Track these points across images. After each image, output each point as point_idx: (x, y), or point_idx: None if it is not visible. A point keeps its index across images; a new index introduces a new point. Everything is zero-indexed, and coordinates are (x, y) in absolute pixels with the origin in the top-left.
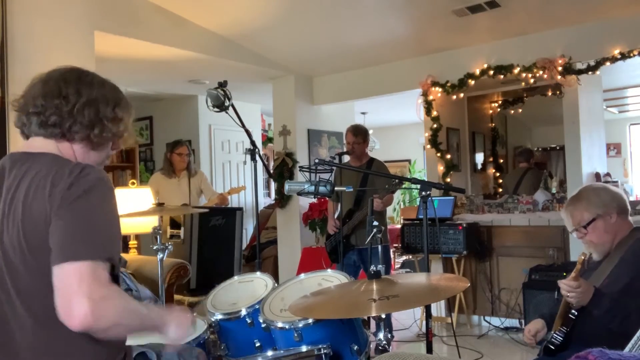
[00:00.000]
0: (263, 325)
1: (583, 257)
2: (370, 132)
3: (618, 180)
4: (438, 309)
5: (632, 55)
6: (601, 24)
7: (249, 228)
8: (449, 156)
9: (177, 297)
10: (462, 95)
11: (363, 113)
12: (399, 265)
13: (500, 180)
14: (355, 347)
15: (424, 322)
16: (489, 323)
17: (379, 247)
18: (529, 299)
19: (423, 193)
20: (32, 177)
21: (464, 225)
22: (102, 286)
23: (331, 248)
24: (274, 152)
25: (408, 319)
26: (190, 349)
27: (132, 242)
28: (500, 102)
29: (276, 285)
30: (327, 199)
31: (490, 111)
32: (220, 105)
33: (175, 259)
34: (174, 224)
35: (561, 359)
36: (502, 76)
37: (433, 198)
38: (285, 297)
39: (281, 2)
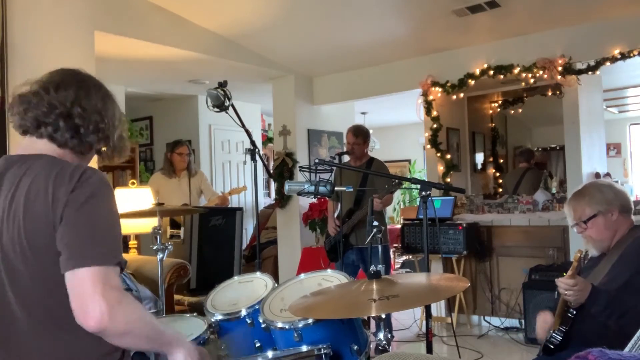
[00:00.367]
0: (263, 325)
1: (579, 255)
2: (370, 132)
3: (618, 180)
4: (438, 309)
5: (632, 55)
6: (601, 24)
7: (249, 228)
8: (449, 156)
9: (177, 297)
10: (462, 95)
11: (363, 113)
12: (399, 265)
13: (500, 180)
14: (355, 347)
15: (424, 322)
16: (489, 323)
17: (379, 247)
18: (529, 299)
19: (423, 193)
20: (32, 178)
21: (464, 225)
22: (117, 290)
23: (330, 247)
24: (274, 152)
25: (408, 319)
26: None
27: (132, 242)
28: (500, 102)
29: (276, 285)
30: (327, 198)
31: (490, 111)
32: (220, 105)
33: (175, 259)
34: (174, 224)
35: (560, 358)
36: (502, 76)
37: (433, 198)
38: (285, 297)
39: (281, 2)
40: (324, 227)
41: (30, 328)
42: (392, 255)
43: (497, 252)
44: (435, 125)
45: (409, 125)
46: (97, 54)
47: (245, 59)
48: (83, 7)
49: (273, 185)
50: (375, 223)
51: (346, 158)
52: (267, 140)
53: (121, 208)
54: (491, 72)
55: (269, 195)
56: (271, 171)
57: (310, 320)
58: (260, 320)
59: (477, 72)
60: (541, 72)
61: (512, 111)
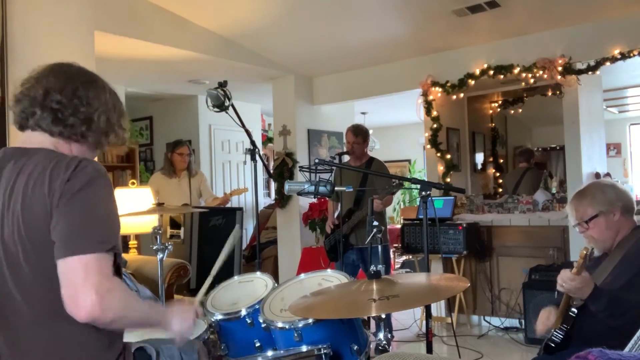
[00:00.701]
0: (263, 325)
1: (585, 252)
2: (370, 132)
3: (618, 180)
4: (438, 309)
5: (632, 55)
6: (601, 24)
7: (249, 228)
8: (449, 156)
9: (177, 297)
10: (462, 95)
11: (363, 113)
12: (399, 265)
13: (500, 180)
14: (355, 347)
15: (424, 322)
16: (489, 323)
17: (379, 247)
18: (529, 299)
19: (423, 193)
20: (30, 171)
21: (464, 225)
22: (107, 279)
23: (330, 247)
24: (274, 152)
25: (408, 319)
26: (191, 343)
27: (132, 242)
28: (500, 102)
29: (276, 285)
30: (327, 198)
31: (490, 111)
32: (220, 105)
33: (175, 259)
34: (174, 224)
35: (561, 357)
36: (502, 76)
37: (433, 198)
38: (285, 297)
39: (281, 3)
40: (324, 227)
41: (32, 321)
42: (392, 255)
43: (497, 252)
44: (435, 125)
45: (409, 125)
46: (97, 54)
47: (245, 59)
48: (83, 7)
49: (273, 185)
50: (375, 223)
51: (346, 158)
52: (267, 140)
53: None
54: (491, 72)
55: (269, 195)
56: (271, 171)
57: (310, 320)
58: (260, 320)
59: (477, 72)
60: (541, 72)
61: (512, 111)
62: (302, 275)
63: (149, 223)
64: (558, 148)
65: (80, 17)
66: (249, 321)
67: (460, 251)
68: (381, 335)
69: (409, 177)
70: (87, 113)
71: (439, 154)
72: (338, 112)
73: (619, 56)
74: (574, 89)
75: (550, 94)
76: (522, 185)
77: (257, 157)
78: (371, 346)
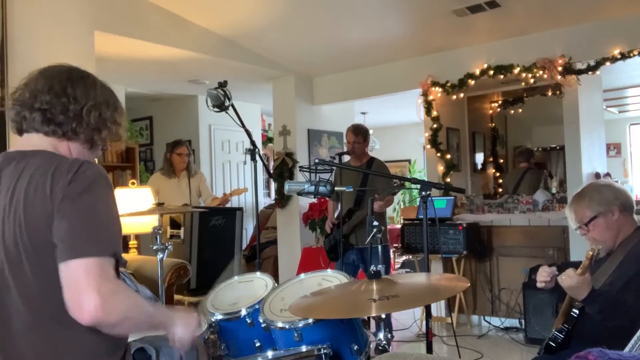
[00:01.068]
0: (263, 325)
1: (591, 253)
2: (370, 132)
3: (618, 180)
4: (438, 309)
5: (632, 55)
6: (601, 24)
7: (249, 228)
8: (449, 156)
9: (177, 297)
10: (462, 95)
11: (363, 113)
12: (399, 265)
13: (500, 180)
14: (355, 347)
15: (424, 322)
16: (489, 323)
17: (379, 247)
18: (529, 299)
19: (423, 193)
20: (31, 174)
21: (464, 225)
22: (110, 282)
23: (330, 247)
24: (274, 152)
25: (408, 319)
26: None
27: (132, 242)
28: (500, 102)
29: (276, 285)
30: (327, 198)
31: (490, 111)
32: (220, 105)
33: (175, 259)
34: (174, 224)
35: (561, 357)
36: (502, 76)
37: (433, 198)
38: (285, 297)
39: (281, 3)
40: (324, 227)
41: (33, 324)
42: (392, 255)
43: (497, 252)
44: (435, 125)
45: (409, 125)
46: (97, 54)
47: (245, 59)
48: (83, 7)
49: (273, 185)
50: (376, 223)
51: (346, 158)
52: (267, 140)
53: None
54: (491, 72)
55: (269, 195)
56: (271, 171)
57: (310, 320)
58: (260, 320)
59: (477, 72)
60: (541, 72)
61: (512, 111)
62: (302, 275)
63: (149, 223)
64: (558, 148)
65: (80, 17)
66: (249, 321)
67: (460, 251)
68: (381, 335)
69: (409, 177)
70: (76, 110)
71: (439, 154)
72: (338, 112)
73: (619, 56)
74: (574, 89)
75: (550, 94)
76: (523, 186)
77: (257, 157)
78: (371, 346)
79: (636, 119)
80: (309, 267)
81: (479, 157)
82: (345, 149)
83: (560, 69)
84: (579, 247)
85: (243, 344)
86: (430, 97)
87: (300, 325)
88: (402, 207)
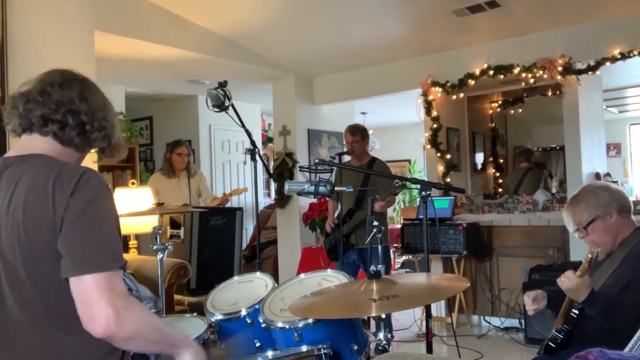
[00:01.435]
0: (263, 325)
1: (591, 255)
2: (370, 132)
3: (618, 180)
4: (438, 309)
5: (632, 55)
6: (601, 24)
7: (249, 228)
8: (449, 156)
9: (177, 297)
10: (462, 95)
11: (363, 113)
12: (399, 265)
13: (500, 180)
14: (355, 347)
15: (424, 322)
16: (489, 323)
17: (379, 247)
18: None
19: (423, 193)
20: (31, 179)
21: (464, 225)
22: (123, 296)
23: (330, 247)
24: (274, 152)
25: (408, 319)
26: None
27: (132, 242)
28: (500, 102)
29: (276, 285)
30: (327, 198)
31: (490, 111)
32: (220, 105)
33: (175, 259)
34: (174, 224)
35: (561, 357)
36: (502, 76)
37: (433, 198)
38: (285, 297)
39: (281, 2)
40: (324, 227)
41: (30, 330)
42: (392, 255)
43: (497, 252)
44: (435, 125)
45: (409, 125)
46: (97, 54)
47: (245, 59)
48: (83, 7)
49: (273, 185)
50: (376, 223)
51: (346, 158)
52: (267, 140)
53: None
54: (491, 72)
55: (269, 195)
56: (271, 171)
57: (310, 320)
58: (261, 320)
59: (477, 72)
60: (541, 72)
61: (512, 111)
62: (302, 275)
63: (149, 223)
64: (558, 148)
65: (80, 17)
66: (249, 321)
67: (460, 251)
68: (381, 335)
69: (409, 177)
70: (109, 130)
71: (439, 154)
72: (338, 112)
73: (619, 56)
74: (574, 89)
75: (550, 94)
76: (523, 186)
77: (257, 157)
78: (371, 346)
79: (636, 119)
80: (309, 267)
81: (479, 157)
82: (345, 149)
83: (560, 69)
84: (579, 247)
85: (243, 344)
86: (430, 97)
87: (300, 325)
88: (402, 207)
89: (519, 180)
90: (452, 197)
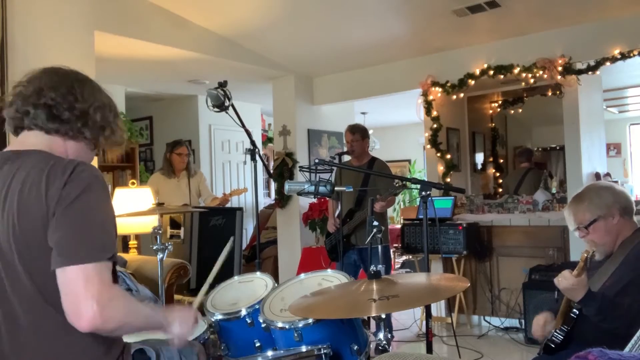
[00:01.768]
0: (263, 325)
1: (586, 255)
2: (370, 132)
3: (618, 180)
4: (438, 309)
5: (632, 55)
6: (601, 24)
7: (249, 228)
8: (449, 156)
9: (177, 297)
10: (462, 95)
11: (363, 113)
12: (399, 265)
13: (500, 180)
14: (355, 347)
15: (424, 322)
16: (489, 323)
17: (379, 247)
18: (529, 299)
19: (423, 193)
20: (26, 174)
21: (464, 225)
22: (108, 288)
23: (331, 247)
24: (274, 152)
25: (408, 319)
26: (190, 344)
27: (132, 242)
28: (500, 102)
29: (276, 285)
30: (327, 198)
31: (490, 111)
32: (220, 105)
33: (175, 259)
34: (174, 224)
35: (561, 357)
36: (502, 76)
37: (433, 198)
38: (285, 297)
39: (281, 2)
40: (324, 227)
41: (29, 326)
42: (392, 255)
43: (497, 252)
44: (435, 125)
45: (409, 125)
46: (97, 54)
47: (245, 59)
48: (83, 7)
49: (273, 185)
50: (376, 223)
51: (346, 158)
52: (267, 140)
53: (121, 208)
54: (491, 72)
55: (269, 195)
56: (271, 171)
57: (310, 320)
58: (260, 320)
59: (477, 72)
60: (541, 72)
61: (512, 111)
62: (302, 275)
63: (149, 223)
64: (558, 148)
65: (80, 17)
66: (249, 321)
67: (460, 251)
68: (381, 335)
69: (409, 177)
70: (83, 108)
71: (439, 154)
72: (338, 112)
73: (619, 56)
74: (574, 89)
75: (550, 94)
76: (523, 186)
77: (257, 157)
78: (371, 346)
79: (636, 119)
80: (309, 267)
81: (479, 157)
82: (345, 149)
83: (560, 69)
84: (579, 247)
85: (243, 344)
86: (430, 97)
87: (300, 325)
88: (402, 207)
89: (519, 180)
90: (452, 197)
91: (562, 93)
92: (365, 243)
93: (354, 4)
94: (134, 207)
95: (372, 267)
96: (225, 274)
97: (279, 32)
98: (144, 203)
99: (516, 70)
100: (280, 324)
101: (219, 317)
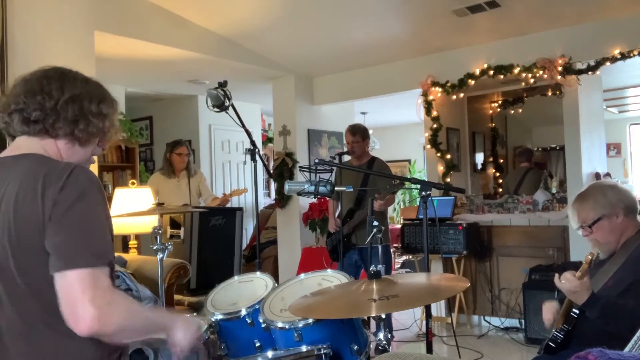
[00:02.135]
0: (263, 325)
1: (590, 257)
2: (370, 132)
3: (618, 181)
4: (438, 309)
5: (632, 55)
6: (601, 24)
7: (249, 228)
8: (449, 156)
9: (177, 297)
10: (462, 95)
11: (363, 113)
12: (399, 265)
13: (500, 181)
14: (355, 347)
15: (424, 322)
16: (489, 323)
17: (379, 247)
18: (529, 299)
19: (423, 193)
20: (21, 178)
21: (464, 225)
22: (106, 292)
23: (332, 247)
24: (274, 152)
25: (408, 319)
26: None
27: (132, 242)
28: (500, 102)
29: (276, 285)
30: (327, 198)
31: (490, 111)
32: (220, 105)
33: (175, 259)
34: (174, 224)
35: (561, 357)
36: (502, 76)
37: (433, 198)
38: (285, 297)
39: (281, 2)
40: (324, 227)
41: (24, 330)
42: (392, 255)
43: (497, 252)
44: (435, 125)
45: (409, 125)
46: (97, 54)
47: (245, 59)
48: (83, 7)
49: (273, 185)
50: (376, 223)
51: (346, 158)
52: (267, 140)
53: (121, 208)
54: (491, 72)
55: (269, 195)
56: (271, 171)
57: (310, 320)
58: (260, 320)
59: (477, 72)
60: (541, 72)
61: (512, 111)
62: (302, 275)
63: (149, 223)
64: (558, 148)
65: (80, 17)
66: (249, 321)
67: (460, 251)
68: (381, 335)
69: (409, 177)
70: (51, 104)
71: (439, 154)
72: (338, 112)
73: (619, 56)
74: (574, 89)
75: (550, 94)
76: (524, 186)
77: (257, 157)
78: (371, 346)
79: (636, 119)
80: (309, 267)
81: (479, 157)
82: (345, 149)
83: (560, 69)
84: (579, 247)
85: (243, 344)
86: (430, 97)
87: (300, 325)
88: (402, 207)
89: (519, 180)
90: (452, 197)
91: (562, 93)
92: (365, 243)
93: (354, 4)
94: (134, 207)
95: (372, 267)
96: (226, 274)
97: (279, 32)
98: (144, 203)
99: (516, 70)
100: (280, 324)
101: (219, 317)
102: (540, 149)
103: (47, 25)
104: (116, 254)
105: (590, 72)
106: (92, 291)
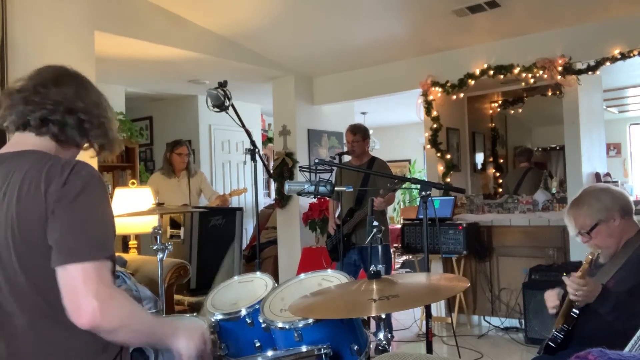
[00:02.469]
0: (263, 325)
1: (591, 257)
2: (370, 132)
3: (618, 180)
4: (438, 309)
5: (632, 55)
6: (601, 24)
7: (249, 228)
8: (449, 156)
9: (177, 297)
10: (462, 95)
11: (363, 113)
12: (399, 265)
13: (500, 181)
14: (355, 347)
15: (424, 322)
16: (489, 323)
17: (379, 246)
18: (529, 299)
19: (423, 193)
20: (24, 173)
21: (464, 225)
22: (108, 286)
23: (332, 247)
24: (274, 152)
25: (408, 319)
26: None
27: (132, 242)
28: (500, 102)
29: (276, 285)
30: (327, 198)
31: (490, 111)
32: (220, 105)
33: (175, 259)
34: (174, 224)
35: (561, 357)
36: (502, 76)
37: (433, 198)
38: (285, 297)
39: (281, 2)
40: (324, 227)
41: (26, 324)
42: (392, 255)
43: (497, 252)
44: (435, 125)
45: (409, 125)
46: (97, 54)
47: (245, 59)
48: (83, 7)
49: (273, 185)
50: (375, 223)
51: (346, 158)
52: (267, 140)
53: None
54: (491, 72)
55: (269, 195)
56: (271, 171)
57: (310, 320)
58: (260, 320)
59: (477, 72)
60: (541, 72)
61: (512, 111)
62: (302, 275)
63: (149, 223)
64: (558, 148)
65: (80, 17)
66: (249, 321)
67: (460, 251)
68: (381, 335)
69: (409, 177)
70: (107, 124)
71: (439, 154)
72: (338, 112)
73: (619, 56)
74: (574, 89)
75: (550, 94)
76: (524, 186)
77: (257, 157)
78: (371, 346)
79: (636, 119)
80: (309, 267)
81: (479, 157)
82: (345, 149)
83: (560, 69)
84: (579, 247)
85: (243, 344)
86: (430, 97)
87: (300, 325)
88: (402, 207)
89: (519, 180)
90: (452, 197)
91: (562, 93)
92: (365, 243)
93: (354, 4)
94: (134, 207)
95: (372, 267)
96: (225, 274)
97: (279, 32)
98: (144, 203)
99: (516, 70)
100: (280, 324)
101: (219, 317)
102: (540, 149)
103: (47, 25)
104: (116, 254)
105: (590, 72)
106: (95, 284)
